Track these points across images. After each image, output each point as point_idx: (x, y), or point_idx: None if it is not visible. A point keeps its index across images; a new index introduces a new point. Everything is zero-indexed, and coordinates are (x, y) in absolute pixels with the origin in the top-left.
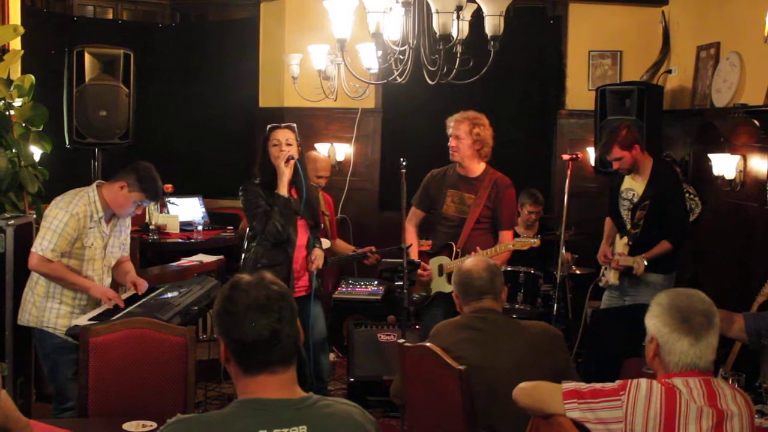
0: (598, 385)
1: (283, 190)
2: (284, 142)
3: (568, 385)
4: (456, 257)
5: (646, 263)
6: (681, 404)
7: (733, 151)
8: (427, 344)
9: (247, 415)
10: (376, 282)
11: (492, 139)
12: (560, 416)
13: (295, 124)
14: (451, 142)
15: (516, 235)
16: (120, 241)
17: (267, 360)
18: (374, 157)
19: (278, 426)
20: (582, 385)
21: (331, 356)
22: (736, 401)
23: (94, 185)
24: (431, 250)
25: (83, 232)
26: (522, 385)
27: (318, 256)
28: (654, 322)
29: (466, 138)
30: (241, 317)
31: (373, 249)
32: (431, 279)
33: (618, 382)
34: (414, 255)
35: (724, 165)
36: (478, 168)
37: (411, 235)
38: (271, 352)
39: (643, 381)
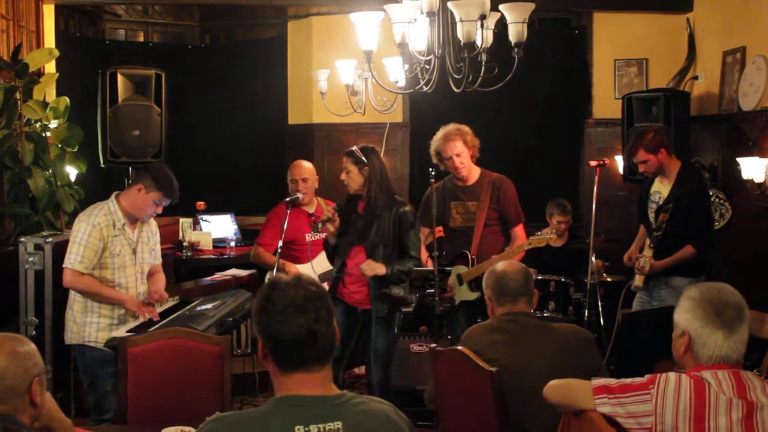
0: (627, 381)
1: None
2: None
3: (598, 381)
4: (472, 264)
5: (653, 261)
6: (710, 396)
7: (761, 155)
8: (459, 348)
9: (284, 412)
10: None
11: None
12: (591, 412)
13: (354, 149)
14: (455, 163)
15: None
16: (149, 247)
17: (303, 358)
18: (403, 171)
19: (314, 422)
20: (611, 381)
21: (363, 369)
22: (766, 393)
23: (112, 196)
24: (446, 261)
25: (108, 240)
26: (552, 382)
27: (365, 267)
28: (686, 317)
29: (465, 152)
30: (279, 316)
31: None
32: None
33: (647, 376)
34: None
35: (753, 169)
36: (474, 174)
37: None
38: (307, 350)
39: (672, 374)
